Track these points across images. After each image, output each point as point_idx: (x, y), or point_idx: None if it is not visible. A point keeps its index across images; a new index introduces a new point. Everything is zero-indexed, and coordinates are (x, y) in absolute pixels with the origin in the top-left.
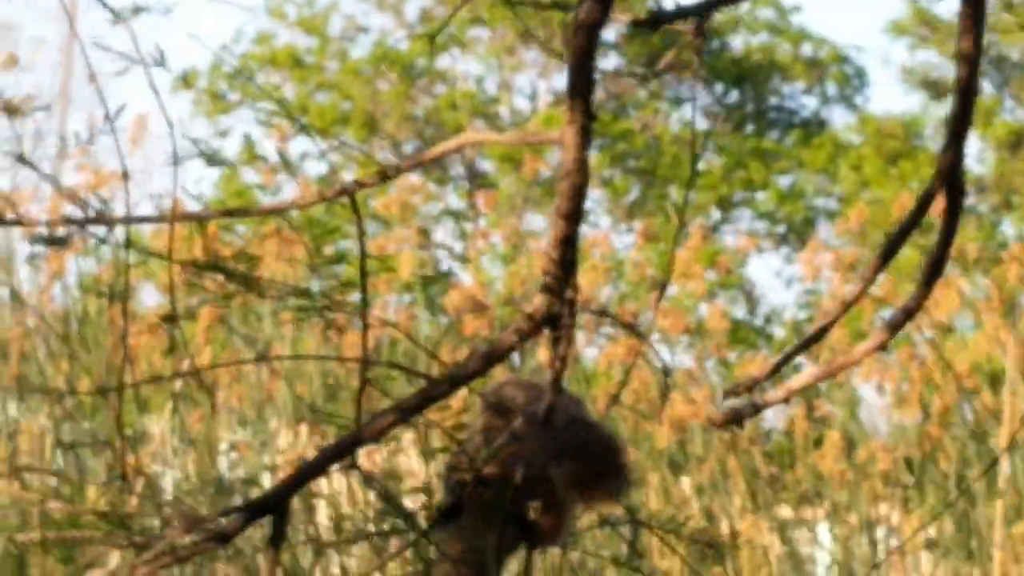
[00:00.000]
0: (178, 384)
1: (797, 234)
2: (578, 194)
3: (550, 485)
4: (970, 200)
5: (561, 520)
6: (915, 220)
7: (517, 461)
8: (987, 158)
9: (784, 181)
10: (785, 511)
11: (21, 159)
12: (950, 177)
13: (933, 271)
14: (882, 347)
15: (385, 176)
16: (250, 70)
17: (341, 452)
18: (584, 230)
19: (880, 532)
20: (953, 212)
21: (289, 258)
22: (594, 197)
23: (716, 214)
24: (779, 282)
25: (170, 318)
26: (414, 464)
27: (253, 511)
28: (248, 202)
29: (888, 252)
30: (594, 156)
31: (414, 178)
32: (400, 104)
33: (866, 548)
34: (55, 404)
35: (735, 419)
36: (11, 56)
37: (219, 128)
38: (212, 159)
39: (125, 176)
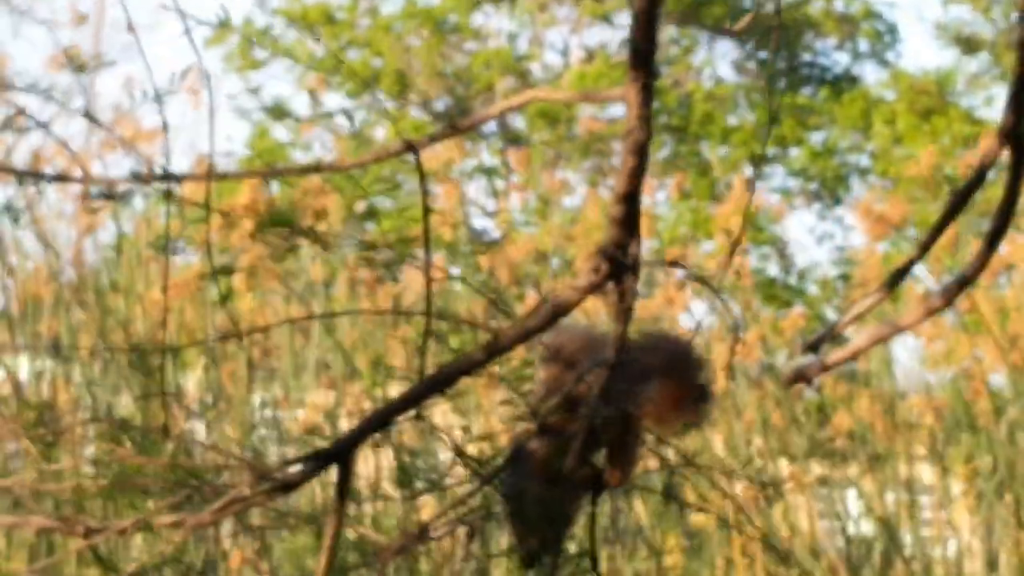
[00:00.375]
0: (212, 339)
1: (830, 191)
2: (641, 151)
3: (620, 428)
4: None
5: (628, 467)
6: (979, 180)
7: (589, 407)
8: None
9: (816, 137)
10: (822, 466)
11: (87, 115)
12: (1013, 134)
13: (997, 231)
14: (945, 307)
15: (449, 133)
16: (307, 23)
17: (408, 403)
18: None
19: (918, 488)
20: (1017, 170)
21: (321, 211)
22: None
23: (749, 170)
24: (812, 239)
25: (226, 271)
26: (450, 419)
27: (319, 461)
28: (281, 159)
29: (951, 212)
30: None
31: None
32: (431, 61)
33: (903, 503)
34: (90, 361)
35: (802, 378)
36: (79, 15)
37: (249, 84)
38: (277, 112)
39: (165, 129)
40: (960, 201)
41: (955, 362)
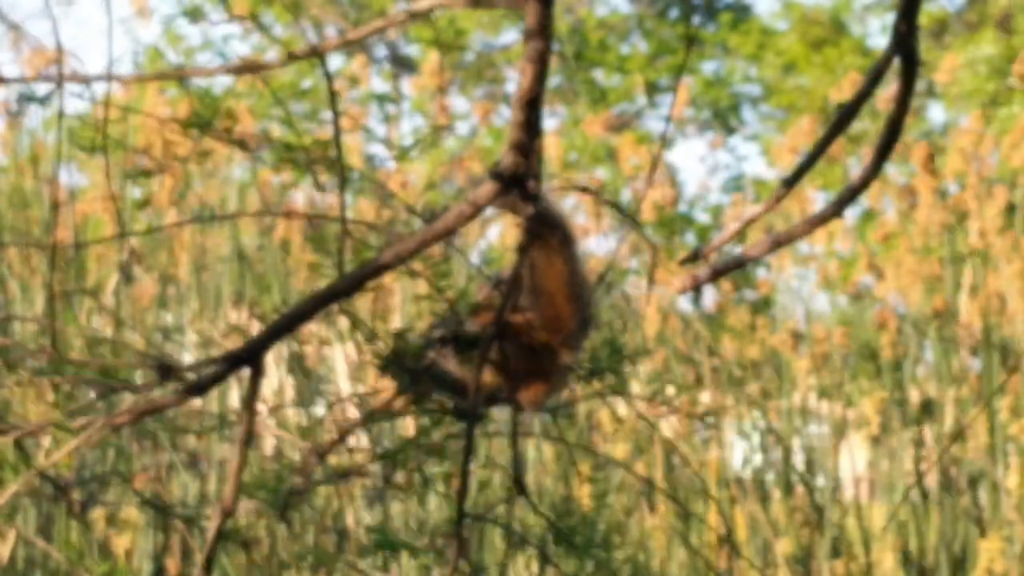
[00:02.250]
0: (124, 256)
1: (722, 120)
2: (541, 58)
3: (523, 342)
4: (894, 87)
5: (545, 388)
6: (869, 90)
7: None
8: None
9: (709, 67)
10: (706, 397)
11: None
12: (904, 46)
13: (886, 144)
14: (833, 217)
15: (349, 42)
16: None
17: (319, 304)
18: (507, 114)
19: (813, 420)
20: (908, 83)
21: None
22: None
23: (641, 99)
24: (703, 168)
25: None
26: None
27: (230, 363)
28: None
29: (842, 121)
30: (519, 40)
31: (338, 60)
32: None
33: (794, 435)
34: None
35: (694, 285)
36: None
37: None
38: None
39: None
40: (848, 114)
41: (848, 285)
